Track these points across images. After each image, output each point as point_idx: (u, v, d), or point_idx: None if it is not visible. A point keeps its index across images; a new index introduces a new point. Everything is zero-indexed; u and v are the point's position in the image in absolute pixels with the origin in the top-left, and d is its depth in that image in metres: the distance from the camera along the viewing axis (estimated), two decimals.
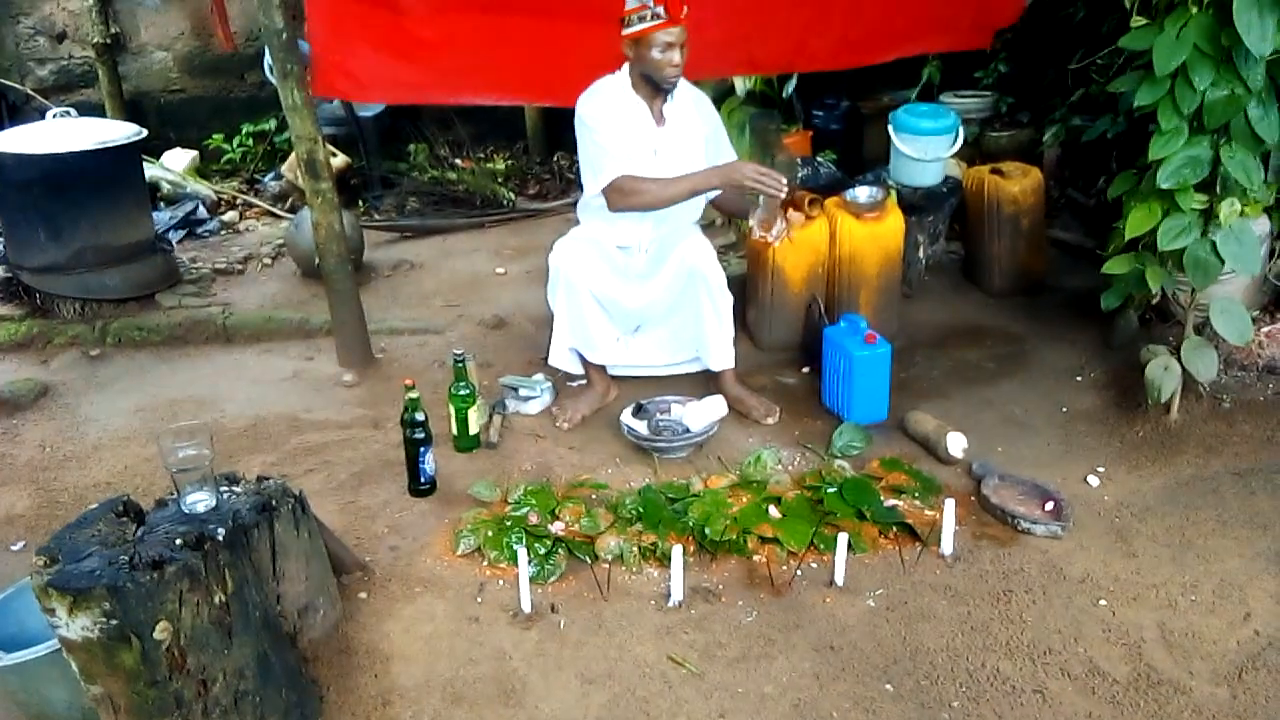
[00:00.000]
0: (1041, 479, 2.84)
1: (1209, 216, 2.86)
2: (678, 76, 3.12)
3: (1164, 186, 2.79)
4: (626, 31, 3.06)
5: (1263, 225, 3.21)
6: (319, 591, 2.31)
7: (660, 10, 2.98)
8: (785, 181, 3.04)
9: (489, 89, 3.79)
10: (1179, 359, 3.00)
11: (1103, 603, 2.38)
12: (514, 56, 3.61)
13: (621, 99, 3.18)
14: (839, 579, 2.46)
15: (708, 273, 3.20)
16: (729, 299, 3.26)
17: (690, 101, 3.28)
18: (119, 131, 4.22)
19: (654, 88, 3.15)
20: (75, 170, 4.02)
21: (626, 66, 3.18)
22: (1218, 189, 2.83)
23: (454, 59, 3.57)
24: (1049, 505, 2.71)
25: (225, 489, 2.14)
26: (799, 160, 4.39)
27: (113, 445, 3.31)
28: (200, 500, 1.99)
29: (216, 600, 1.87)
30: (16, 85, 6.19)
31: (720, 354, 3.30)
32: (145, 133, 4.31)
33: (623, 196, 3.14)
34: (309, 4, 3.30)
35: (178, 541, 1.86)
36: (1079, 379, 3.45)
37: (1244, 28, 2.52)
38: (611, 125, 3.15)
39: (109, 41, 6.08)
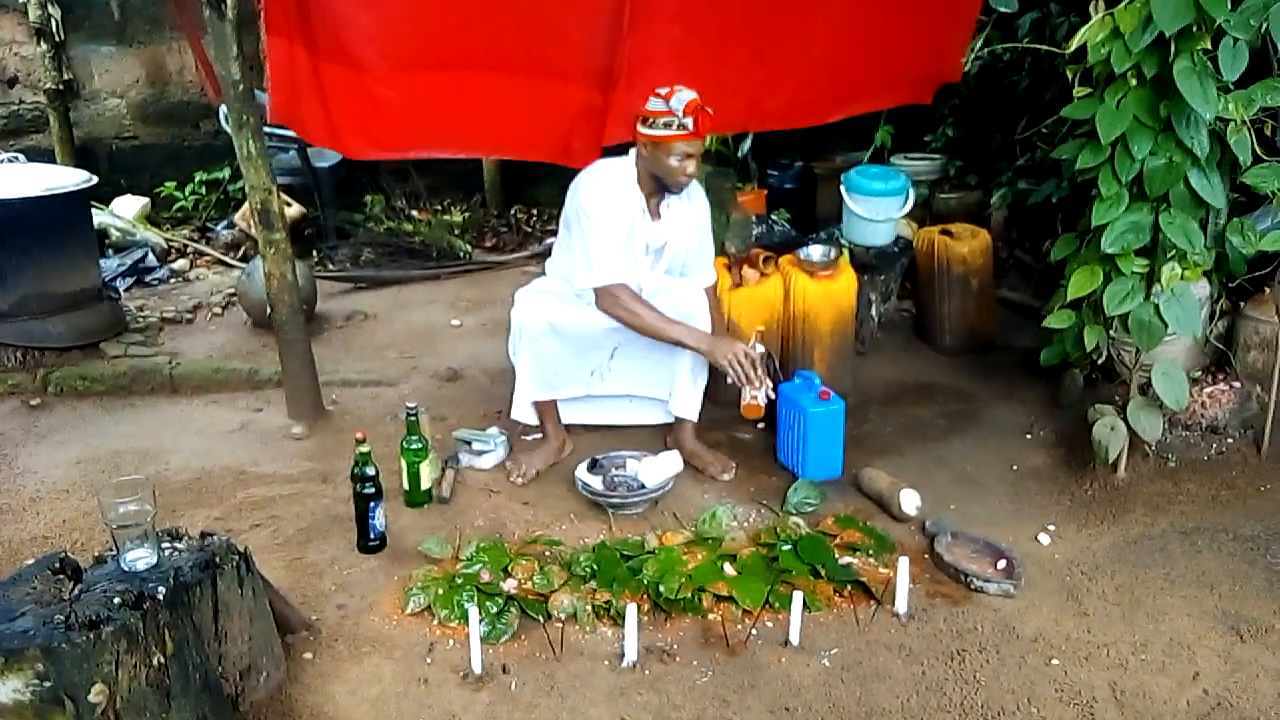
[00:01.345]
0: (993, 537, 2.86)
1: (1151, 280, 2.94)
2: (690, 183, 3.15)
3: (1107, 251, 2.87)
4: (647, 132, 3.03)
5: (1202, 288, 3.31)
6: (263, 652, 2.24)
7: (688, 122, 2.97)
8: (760, 375, 3.04)
9: (447, 143, 3.80)
10: (1125, 419, 3.06)
11: (1055, 662, 2.39)
12: (472, 111, 3.63)
13: (623, 189, 3.15)
14: (794, 638, 2.44)
15: (698, 323, 3.20)
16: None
17: (689, 197, 3.27)
18: (68, 178, 4.16)
19: (659, 186, 3.16)
20: (22, 216, 3.94)
21: (634, 154, 3.15)
22: (1159, 253, 2.92)
23: (413, 114, 3.57)
24: (1001, 563, 2.73)
25: (167, 545, 2.08)
26: (753, 218, 4.45)
27: (51, 498, 3.21)
28: (141, 557, 1.93)
29: (155, 662, 1.81)
30: None
31: (687, 402, 3.30)
32: (95, 180, 4.24)
33: (613, 304, 3.11)
34: (269, 59, 3.29)
35: (116, 600, 1.80)
36: (1028, 437, 3.50)
37: (1188, 92, 2.62)
38: (611, 222, 3.12)
39: (61, 88, 6.02)
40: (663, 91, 3.03)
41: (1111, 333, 3.13)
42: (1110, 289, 2.91)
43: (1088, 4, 2.99)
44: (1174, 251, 2.90)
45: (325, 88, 3.32)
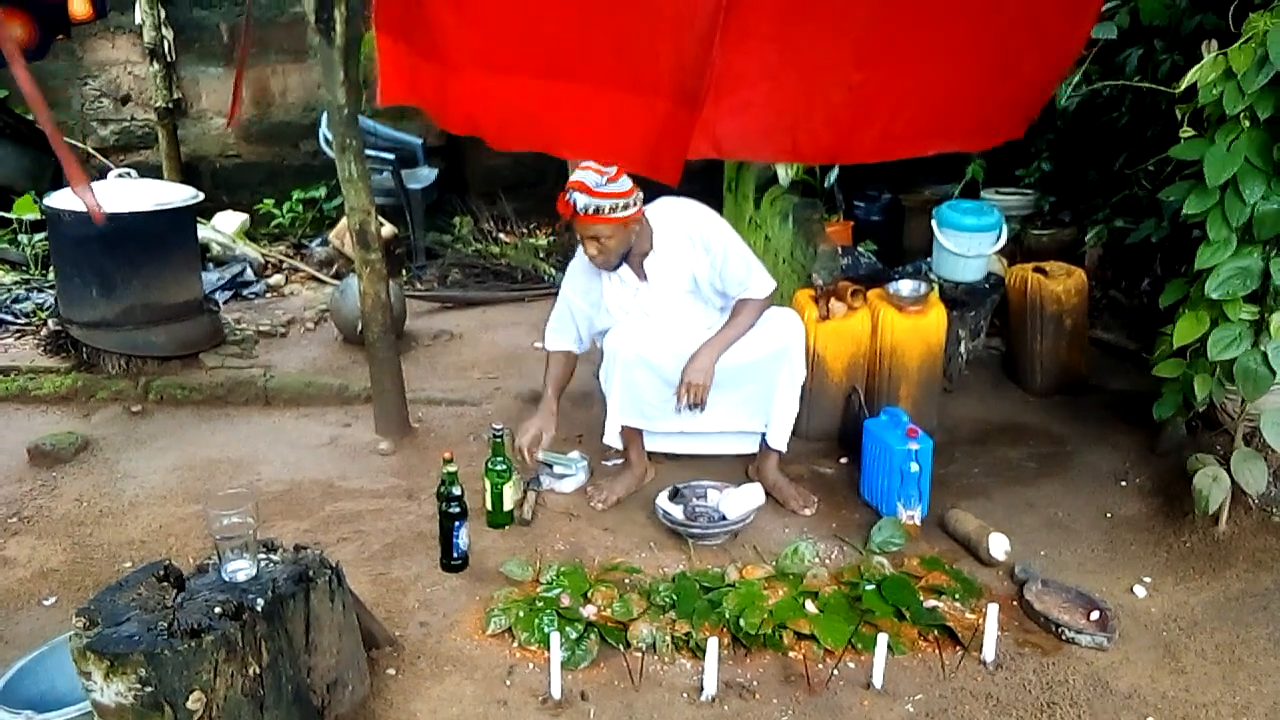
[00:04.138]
0: (1086, 586, 2.77)
1: (1260, 327, 2.83)
2: (604, 265, 3.13)
3: (1213, 296, 2.77)
4: None
5: None
6: (349, 666, 2.28)
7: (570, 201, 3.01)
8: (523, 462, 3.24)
9: (534, 140, 3.92)
10: (1228, 469, 2.95)
11: None
12: (559, 115, 3.71)
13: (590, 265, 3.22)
14: (877, 681, 2.40)
15: (795, 355, 3.20)
16: (801, 382, 3.25)
17: (681, 244, 3.19)
18: (177, 194, 4.34)
19: (634, 250, 3.17)
20: (132, 230, 4.11)
21: None
22: (1268, 299, 2.82)
23: (504, 112, 3.68)
24: (1094, 615, 2.65)
25: (263, 557, 2.13)
26: (839, 250, 4.42)
27: (149, 503, 3.32)
28: (241, 569, 1.99)
29: (251, 672, 1.86)
30: (78, 144, 6.39)
31: (780, 433, 3.27)
32: (202, 196, 4.42)
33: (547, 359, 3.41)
34: (378, 49, 3.40)
35: (216, 610, 1.85)
36: (1123, 484, 3.39)
37: None
38: (566, 295, 3.36)
39: (170, 106, 6.29)
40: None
41: (1216, 380, 3.02)
42: (1215, 334, 2.81)
43: (1197, 43, 2.91)
44: None
45: (426, 81, 3.44)
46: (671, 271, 3.22)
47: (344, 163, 3.48)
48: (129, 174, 4.50)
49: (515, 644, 2.56)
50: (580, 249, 3.24)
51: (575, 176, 3.03)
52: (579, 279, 3.34)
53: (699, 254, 3.20)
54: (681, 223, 3.22)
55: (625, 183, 3.03)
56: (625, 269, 3.22)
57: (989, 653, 2.49)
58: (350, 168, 3.48)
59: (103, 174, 4.73)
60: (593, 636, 2.56)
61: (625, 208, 3.02)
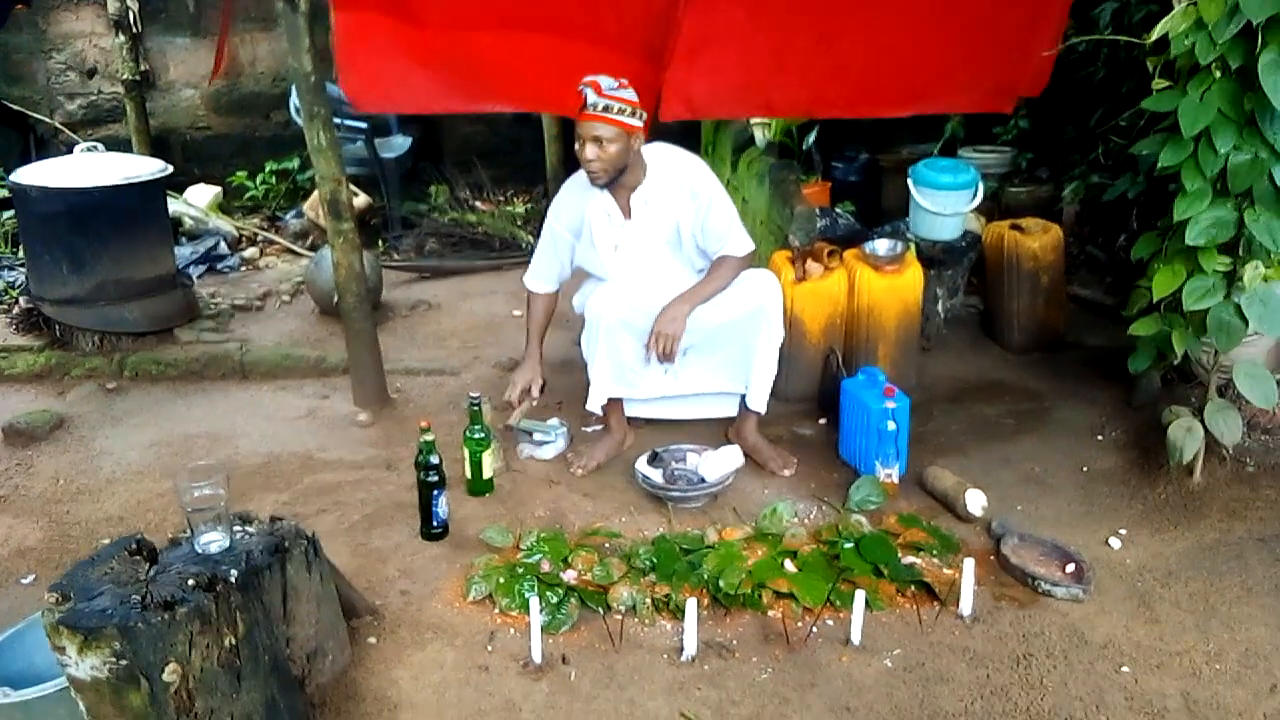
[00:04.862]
0: (1062, 540, 2.79)
1: (1233, 279, 2.84)
2: (597, 176, 3.06)
3: (1191, 243, 2.77)
4: None
5: None
6: (329, 636, 2.28)
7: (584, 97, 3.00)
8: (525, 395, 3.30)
9: (498, 97, 3.95)
10: (1202, 421, 2.97)
11: (1125, 670, 2.33)
12: (525, 69, 3.72)
13: (584, 194, 3.21)
14: (855, 637, 2.41)
15: (773, 315, 3.18)
16: (779, 343, 3.24)
17: (673, 187, 3.17)
18: (145, 167, 4.27)
19: (623, 183, 3.14)
20: (100, 204, 4.06)
21: None
22: (1241, 251, 2.83)
23: (473, 70, 3.66)
24: (1070, 567, 2.67)
25: (238, 529, 2.12)
26: (817, 211, 4.40)
27: (126, 479, 3.30)
28: (214, 540, 1.98)
29: (227, 643, 1.85)
30: (45, 119, 6.29)
31: (759, 394, 3.26)
32: (171, 169, 4.36)
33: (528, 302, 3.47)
34: (337, 22, 3.37)
35: (190, 582, 1.84)
36: (1099, 438, 3.41)
37: (1270, 89, 2.53)
38: (551, 228, 3.35)
39: (138, 78, 6.18)
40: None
41: (1190, 333, 3.03)
42: (1189, 285, 2.82)
43: None
44: (1259, 250, 2.80)
45: (389, 47, 3.44)
46: (656, 213, 3.19)
47: (312, 131, 3.43)
48: (96, 148, 4.43)
49: (496, 610, 2.56)
50: (563, 193, 3.31)
51: (590, 77, 3.00)
52: (566, 204, 3.32)
53: (685, 201, 3.18)
54: (674, 166, 3.21)
55: (634, 93, 3.02)
56: (612, 202, 3.19)
57: (966, 607, 2.51)
58: (319, 136, 3.43)
59: (69, 148, 4.65)
60: (573, 601, 2.57)
61: (631, 114, 3.00)
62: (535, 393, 3.33)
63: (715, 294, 3.16)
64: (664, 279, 3.22)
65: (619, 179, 3.11)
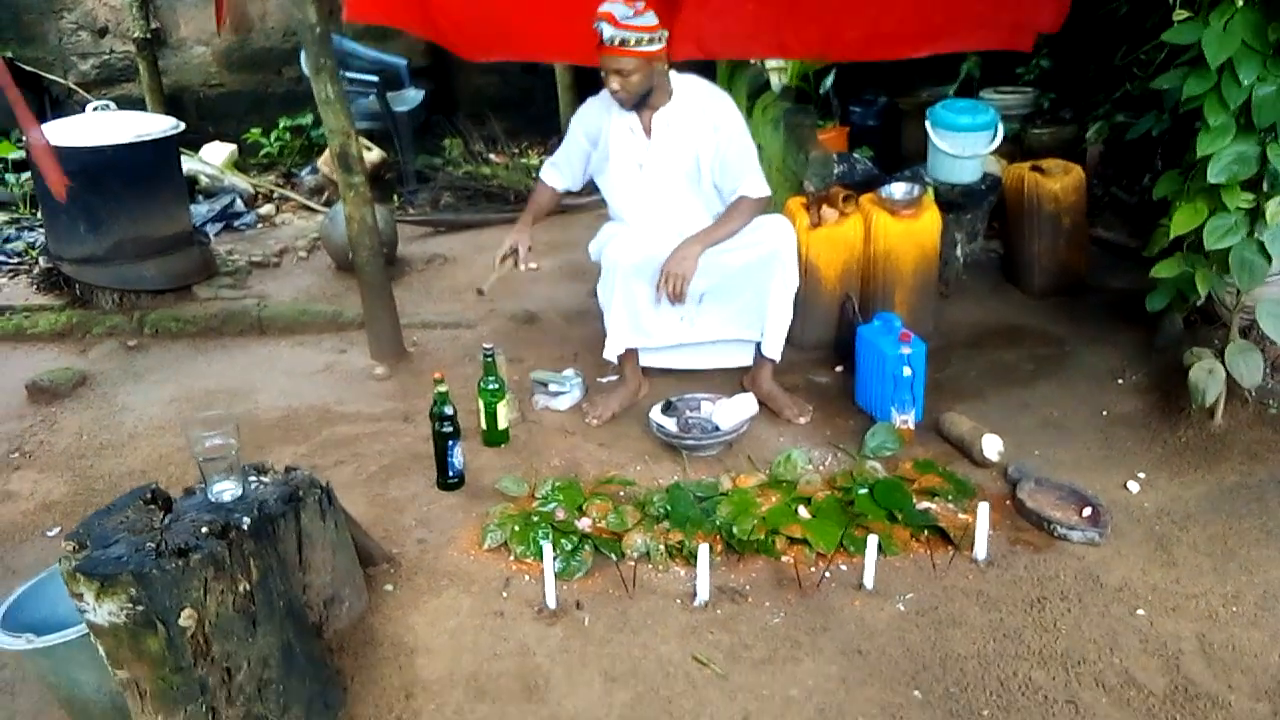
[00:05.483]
0: (1079, 484, 2.77)
1: (1256, 216, 2.78)
2: (624, 102, 3.10)
3: (1213, 181, 2.71)
4: None
5: None
6: (345, 583, 2.31)
7: (601, 32, 2.97)
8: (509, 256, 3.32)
9: (512, 48, 4.00)
10: (1223, 362, 2.92)
11: (1140, 612, 2.32)
12: (536, 19, 3.68)
13: (609, 108, 3.21)
14: (868, 582, 2.42)
15: (787, 260, 3.15)
16: (794, 289, 3.21)
17: (695, 113, 3.17)
18: (157, 125, 4.27)
19: (644, 103, 3.14)
20: (114, 163, 4.07)
21: None
22: (1265, 187, 2.76)
23: (479, 15, 3.64)
24: (1086, 511, 2.65)
25: (253, 479, 2.14)
26: (834, 156, 4.34)
27: (148, 434, 3.34)
28: (226, 489, 2.00)
29: (241, 589, 1.87)
30: (59, 79, 6.29)
31: (774, 341, 3.23)
32: (183, 126, 4.36)
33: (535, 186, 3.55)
34: None
35: (203, 530, 1.86)
36: (1120, 382, 3.37)
37: None
38: (574, 132, 3.39)
39: (149, 36, 6.16)
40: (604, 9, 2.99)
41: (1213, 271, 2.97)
42: (1211, 223, 2.76)
43: None
44: None
45: None
46: (678, 136, 3.18)
47: (319, 84, 3.40)
48: (108, 106, 4.43)
49: (511, 557, 2.59)
50: (586, 107, 3.35)
51: (604, 8, 2.98)
52: (589, 114, 3.35)
53: (707, 132, 3.17)
54: (701, 96, 3.21)
55: (651, 17, 2.99)
56: (635, 120, 3.20)
57: (980, 551, 2.50)
58: (326, 89, 3.41)
59: (83, 108, 4.65)
60: (587, 548, 2.58)
61: (651, 42, 2.98)
62: (523, 252, 3.32)
63: (728, 236, 3.13)
64: (680, 218, 3.20)
65: (645, 100, 3.13)
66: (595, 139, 3.32)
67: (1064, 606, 2.35)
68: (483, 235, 5.22)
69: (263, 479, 2.17)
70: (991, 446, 2.92)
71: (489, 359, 3.09)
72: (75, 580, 1.76)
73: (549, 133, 6.40)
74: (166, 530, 1.87)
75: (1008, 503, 2.75)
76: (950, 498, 2.75)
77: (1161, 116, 4.12)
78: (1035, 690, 2.10)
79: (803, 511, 2.69)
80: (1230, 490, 2.77)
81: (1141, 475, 2.85)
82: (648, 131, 3.20)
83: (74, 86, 6.28)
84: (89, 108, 4.36)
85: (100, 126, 4.15)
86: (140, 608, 1.74)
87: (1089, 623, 2.29)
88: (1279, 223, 2.73)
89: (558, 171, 3.48)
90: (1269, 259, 2.74)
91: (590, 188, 3.64)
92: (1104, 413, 3.20)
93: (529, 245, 3.35)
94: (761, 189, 3.19)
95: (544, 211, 3.53)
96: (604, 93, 3.23)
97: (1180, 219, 2.86)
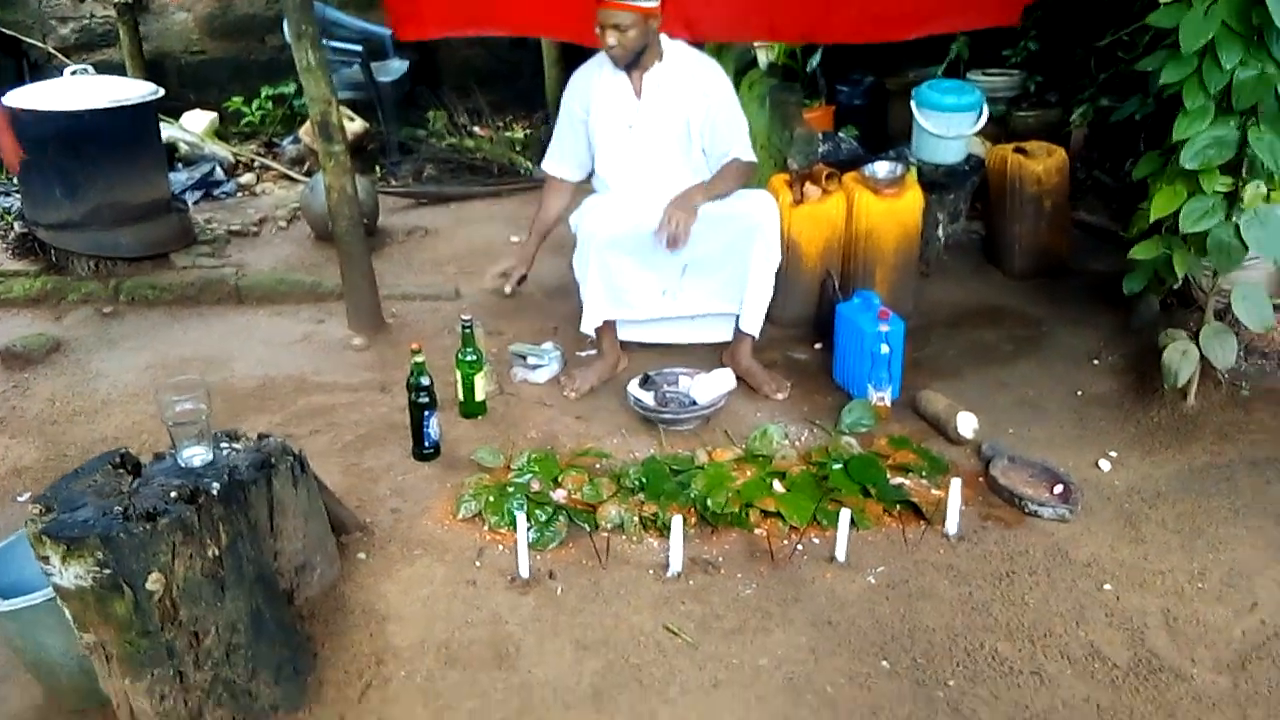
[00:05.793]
0: (1052, 462, 2.79)
1: (1234, 200, 2.79)
2: (618, 58, 3.10)
3: (1188, 167, 2.72)
4: None
5: None
6: (317, 550, 2.31)
7: None
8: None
9: (498, 22, 3.97)
10: (1198, 344, 2.94)
11: (1107, 587, 2.34)
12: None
13: (605, 71, 3.21)
14: (840, 555, 2.43)
15: (769, 235, 3.16)
16: (776, 265, 3.22)
17: (684, 76, 3.19)
18: (135, 90, 4.21)
19: (635, 63, 3.14)
20: (91, 128, 4.01)
21: None
22: (1244, 171, 2.77)
23: None
24: (1058, 488, 2.67)
25: (225, 445, 2.13)
26: (819, 135, 4.33)
27: (122, 401, 3.32)
28: (196, 454, 1.99)
29: (209, 554, 1.87)
30: (38, 44, 6.19)
31: (753, 316, 3.24)
32: (162, 92, 4.30)
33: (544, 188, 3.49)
34: None
35: (172, 494, 1.86)
36: (1096, 363, 3.39)
37: (1275, 4, 2.45)
38: (567, 106, 3.34)
39: (130, 1, 6.07)
40: None
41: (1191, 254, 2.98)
42: (1188, 206, 2.77)
43: None
44: (1260, 170, 2.74)
45: None
46: (668, 98, 3.19)
47: (301, 50, 3.37)
48: (86, 71, 4.37)
49: (486, 528, 2.59)
50: (576, 76, 3.33)
51: None
52: (576, 86, 3.34)
53: (697, 97, 3.19)
54: (692, 62, 3.23)
55: None
56: (625, 80, 3.20)
57: (952, 526, 2.52)
58: (307, 56, 3.37)
59: (62, 73, 4.59)
60: (561, 519, 2.59)
61: None
62: (513, 280, 3.37)
63: (722, 196, 3.15)
64: (666, 181, 3.20)
65: (637, 60, 3.13)
66: (587, 106, 3.30)
67: (1032, 581, 2.37)
68: (465, 208, 5.19)
69: (235, 446, 2.16)
70: (966, 424, 2.93)
71: (467, 330, 3.08)
72: (41, 543, 1.76)
73: (534, 107, 6.36)
74: (134, 494, 1.87)
75: (981, 479, 2.77)
76: (924, 474, 2.76)
77: (1146, 100, 4.12)
78: (1001, 661, 2.12)
79: (777, 486, 2.70)
80: (1200, 470, 2.80)
81: (1113, 454, 2.87)
82: (638, 92, 3.20)
83: (53, 51, 6.18)
84: (66, 72, 4.30)
85: (78, 91, 4.09)
86: (107, 571, 1.74)
87: (1056, 597, 2.31)
88: (1256, 208, 2.74)
89: (557, 160, 3.43)
90: (1245, 244, 2.75)
91: None
92: (1079, 393, 3.22)
93: (524, 274, 3.38)
94: (751, 153, 3.25)
95: (549, 225, 3.44)
96: (589, 61, 3.24)
97: (1159, 201, 2.86)
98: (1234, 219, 2.79)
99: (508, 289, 3.38)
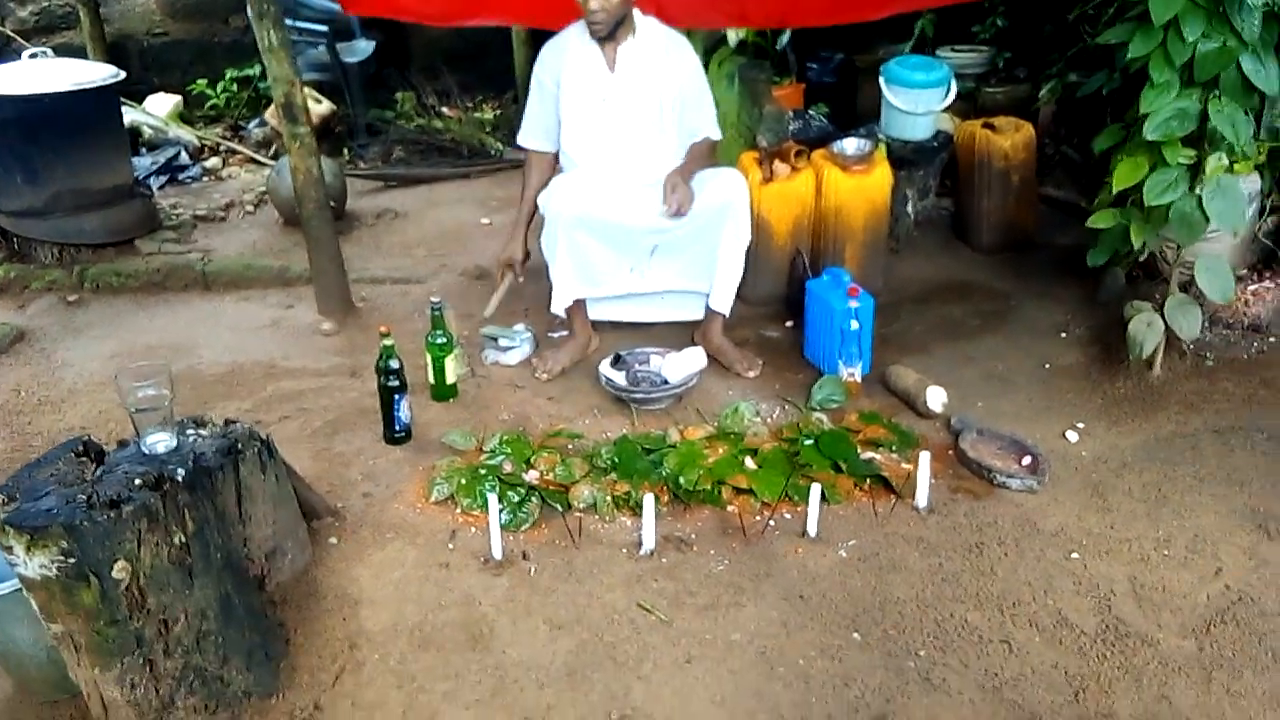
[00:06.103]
0: (1020, 434, 2.82)
1: (1197, 172, 2.81)
2: (599, 26, 3.09)
3: (1150, 138, 2.74)
4: None
5: (1253, 183, 3.18)
6: (287, 535, 2.29)
7: None
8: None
9: (477, 12, 3.95)
10: (1163, 316, 2.97)
11: (1075, 556, 2.37)
12: None
13: (577, 44, 3.22)
14: (811, 530, 2.45)
15: (739, 213, 3.17)
16: (746, 244, 3.22)
17: (657, 51, 3.21)
18: (96, 73, 4.15)
19: (611, 35, 3.14)
20: (51, 112, 3.95)
21: None
22: (1206, 144, 2.79)
23: None
24: (1026, 460, 2.70)
25: (191, 431, 2.11)
26: (789, 113, 4.32)
27: (88, 390, 3.28)
28: (160, 441, 1.97)
29: (176, 541, 1.85)
30: None
31: (723, 294, 3.25)
32: (123, 75, 4.23)
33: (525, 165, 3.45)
34: None
35: (136, 481, 1.84)
36: (1063, 335, 3.42)
37: None
38: (538, 81, 3.33)
39: None
40: None
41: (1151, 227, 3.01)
42: (1152, 178, 2.79)
43: None
44: (1221, 142, 2.77)
45: None
46: (641, 72, 3.20)
47: (262, 30, 3.31)
48: (45, 53, 4.29)
49: (458, 510, 2.58)
50: (547, 51, 3.32)
51: None
52: (546, 58, 3.33)
53: (671, 73, 3.22)
54: (664, 38, 3.25)
55: None
56: (598, 53, 3.20)
57: (922, 499, 2.54)
58: (269, 35, 3.32)
59: (20, 56, 4.50)
60: (534, 500, 2.59)
61: None
62: (518, 269, 3.37)
63: (694, 174, 3.20)
64: (637, 155, 3.23)
65: (613, 33, 3.14)
66: (558, 79, 3.28)
67: (1001, 551, 2.39)
68: (434, 190, 5.15)
69: (200, 432, 2.13)
70: (935, 398, 2.95)
71: (437, 313, 3.06)
72: (5, 533, 1.73)
73: (504, 87, 6.31)
74: (98, 482, 1.85)
75: (950, 452, 2.79)
76: (894, 448, 2.78)
77: (1112, 75, 4.14)
78: (971, 631, 2.15)
79: (749, 463, 2.71)
80: (1166, 439, 2.83)
81: (1080, 425, 2.91)
82: (611, 65, 3.20)
83: (11, 34, 6.06)
84: (24, 55, 4.22)
85: (37, 74, 4.02)
86: (72, 560, 1.72)
87: (1025, 566, 2.34)
88: (1218, 179, 2.77)
89: (532, 133, 3.40)
90: (1208, 216, 2.77)
91: None
92: (1046, 365, 3.25)
93: (524, 257, 3.36)
94: (718, 131, 3.33)
95: (535, 198, 3.37)
96: (554, 39, 3.23)
97: (1121, 174, 2.89)
98: (1196, 191, 2.81)
99: (521, 279, 3.41)
